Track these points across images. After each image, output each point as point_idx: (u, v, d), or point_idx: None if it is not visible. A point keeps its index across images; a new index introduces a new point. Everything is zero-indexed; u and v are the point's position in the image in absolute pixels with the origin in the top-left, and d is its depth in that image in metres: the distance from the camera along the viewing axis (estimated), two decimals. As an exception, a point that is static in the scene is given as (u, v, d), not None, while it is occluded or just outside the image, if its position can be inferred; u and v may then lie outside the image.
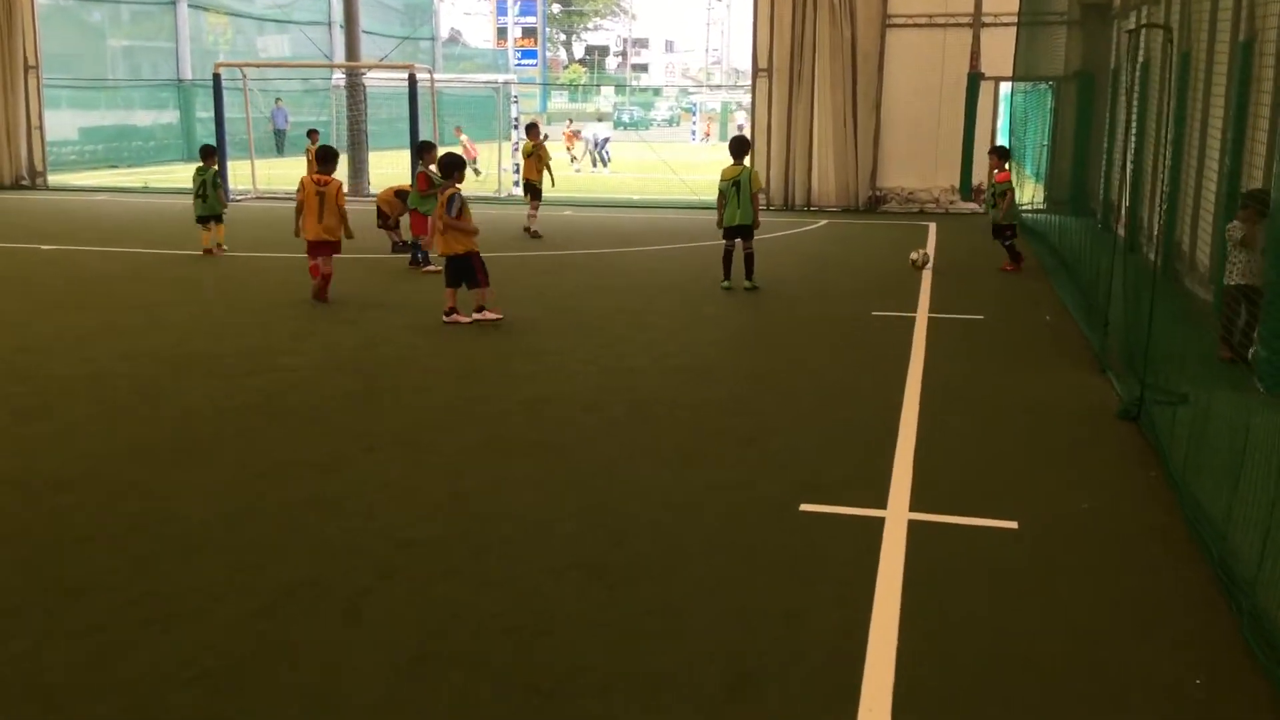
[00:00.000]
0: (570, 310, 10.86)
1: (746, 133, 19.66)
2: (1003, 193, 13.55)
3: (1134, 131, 8.31)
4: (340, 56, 23.80)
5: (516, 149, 26.37)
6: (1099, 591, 4.71)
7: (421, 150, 13.66)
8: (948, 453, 6.47)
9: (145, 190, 24.72)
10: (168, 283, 12.41)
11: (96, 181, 26.93)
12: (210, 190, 14.12)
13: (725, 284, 11.90)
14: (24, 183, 25.13)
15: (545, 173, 16.91)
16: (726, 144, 12.38)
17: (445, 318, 10.05)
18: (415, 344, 9.36)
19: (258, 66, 24.13)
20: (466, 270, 10.04)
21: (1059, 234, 15.31)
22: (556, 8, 73.81)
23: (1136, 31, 7.68)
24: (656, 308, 11.03)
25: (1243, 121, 9.64)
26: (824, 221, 19.17)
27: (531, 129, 17.30)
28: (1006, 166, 13.97)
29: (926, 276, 12.90)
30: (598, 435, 6.82)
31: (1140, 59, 8.24)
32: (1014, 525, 5.40)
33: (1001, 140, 21.60)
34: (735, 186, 11.67)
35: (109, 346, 9.18)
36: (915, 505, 5.63)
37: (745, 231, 11.74)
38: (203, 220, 14.26)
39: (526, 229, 16.52)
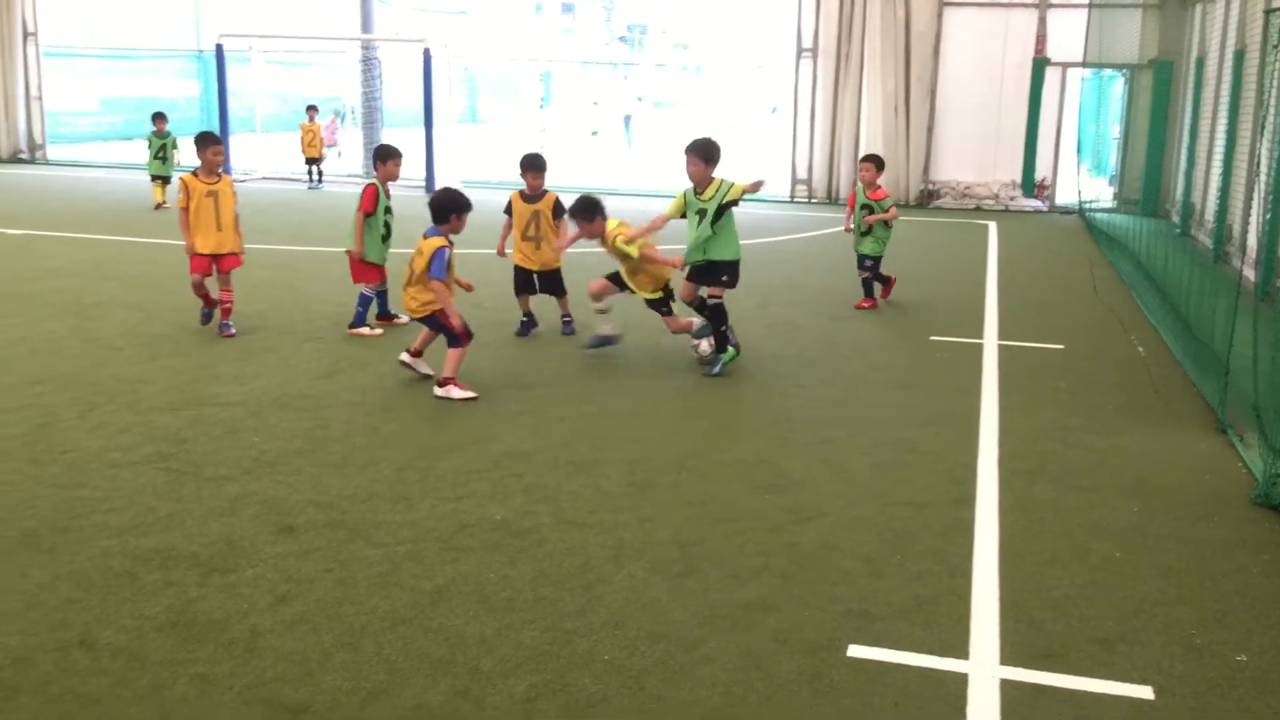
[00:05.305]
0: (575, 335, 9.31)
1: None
2: (885, 209, 10.34)
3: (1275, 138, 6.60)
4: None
5: (543, 131, 24.87)
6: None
7: (380, 156, 8.95)
8: (1042, 566, 4.83)
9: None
10: (122, 280, 10.96)
11: (106, 156, 25.64)
12: (169, 153, 16.77)
13: None
14: (23, 156, 23.92)
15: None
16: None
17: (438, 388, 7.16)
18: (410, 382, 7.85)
19: (261, 38, 22.67)
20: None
21: (1137, 240, 13.57)
22: (597, -15, 71.80)
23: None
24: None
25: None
26: (870, 218, 17.40)
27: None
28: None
29: (991, 292, 11.21)
30: (578, 515, 5.26)
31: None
32: (1149, 694, 3.81)
33: (1072, 132, 19.75)
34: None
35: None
36: (1008, 656, 4.03)
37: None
38: (159, 179, 16.67)
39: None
